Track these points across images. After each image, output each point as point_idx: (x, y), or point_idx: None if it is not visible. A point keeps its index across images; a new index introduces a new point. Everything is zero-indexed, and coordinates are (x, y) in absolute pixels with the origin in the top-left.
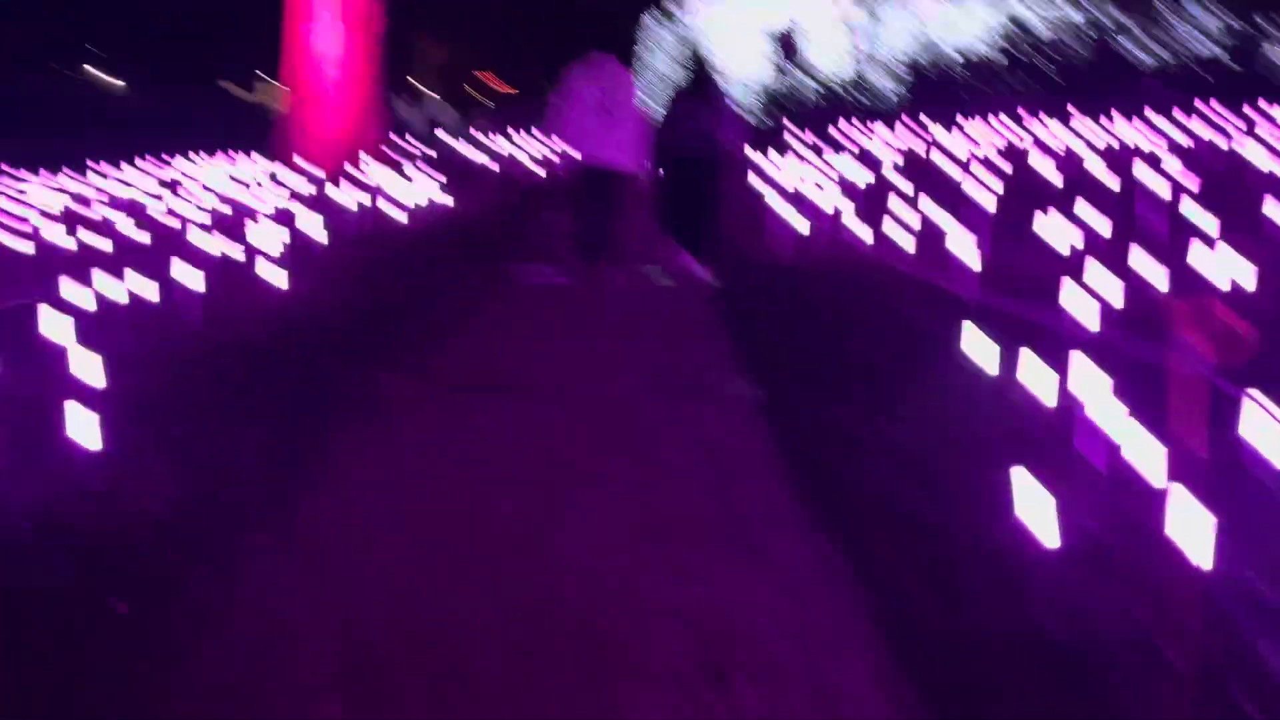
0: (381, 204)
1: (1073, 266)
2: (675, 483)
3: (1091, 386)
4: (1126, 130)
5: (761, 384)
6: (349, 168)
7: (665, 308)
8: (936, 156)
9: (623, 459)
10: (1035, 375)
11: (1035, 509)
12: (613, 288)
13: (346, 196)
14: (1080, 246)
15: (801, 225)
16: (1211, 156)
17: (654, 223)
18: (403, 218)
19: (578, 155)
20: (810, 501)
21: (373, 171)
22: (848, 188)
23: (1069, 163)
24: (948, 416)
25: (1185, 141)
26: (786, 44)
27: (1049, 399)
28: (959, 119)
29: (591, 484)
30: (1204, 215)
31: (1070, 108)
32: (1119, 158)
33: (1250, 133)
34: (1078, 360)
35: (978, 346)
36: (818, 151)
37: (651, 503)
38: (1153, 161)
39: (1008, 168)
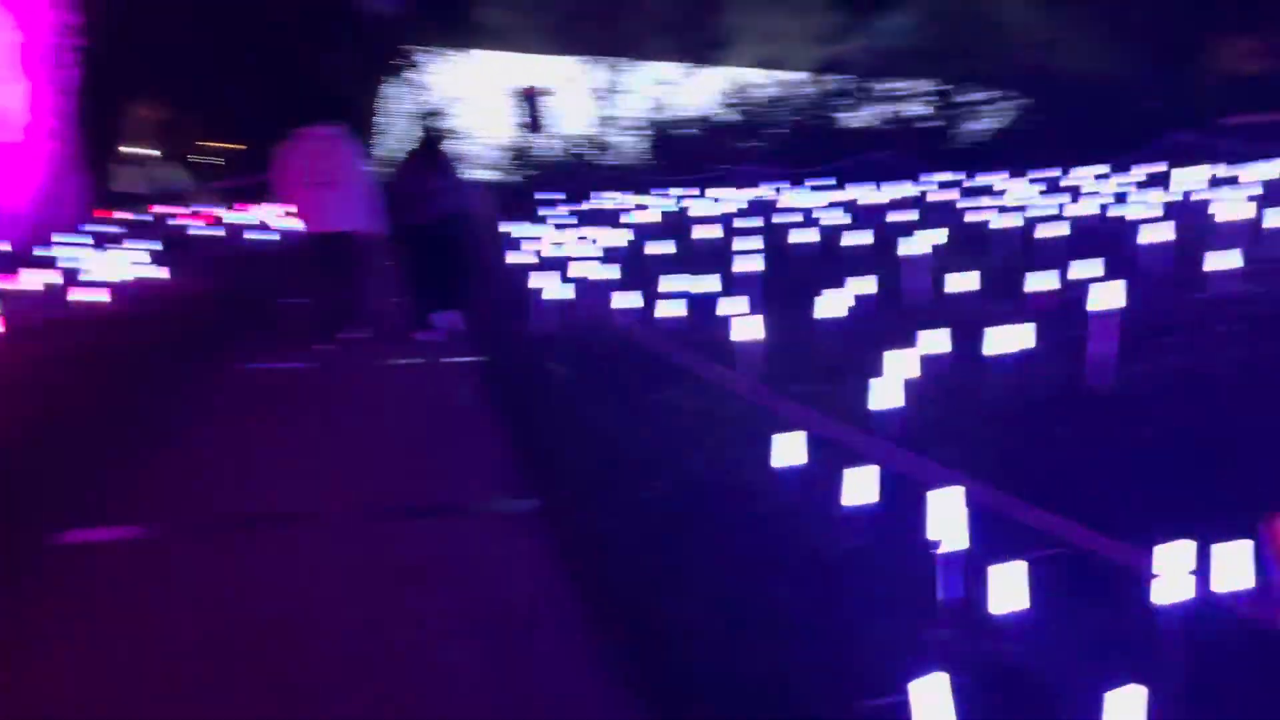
0: (79, 284)
1: (848, 335)
2: (444, 666)
3: (900, 495)
4: (862, 194)
5: (537, 491)
6: (38, 242)
7: (422, 394)
8: (692, 219)
9: (372, 629)
10: (838, 484)
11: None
12: (360, 371)
13: (34, 277)
14: (851, 312)
15: (563, 294)
16: (953, 220)
17: (399, 291)
18: (106, 299)
19: (303, 227)
20: (610, 668)
21: (70, 245)
22: (608, 253)
23: (821, 226)
24: (751, 535)
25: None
26: (530, 105)
27: (848, 506)
28: (707, 181)
29: (332, 680)
30: (964, 279)
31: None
32: (868, 222)
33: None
34: (873, 467)
35: (776, 449)
36: (572, 215)
37: (413, 703)
38: (901, 227)
39: (764, 230)
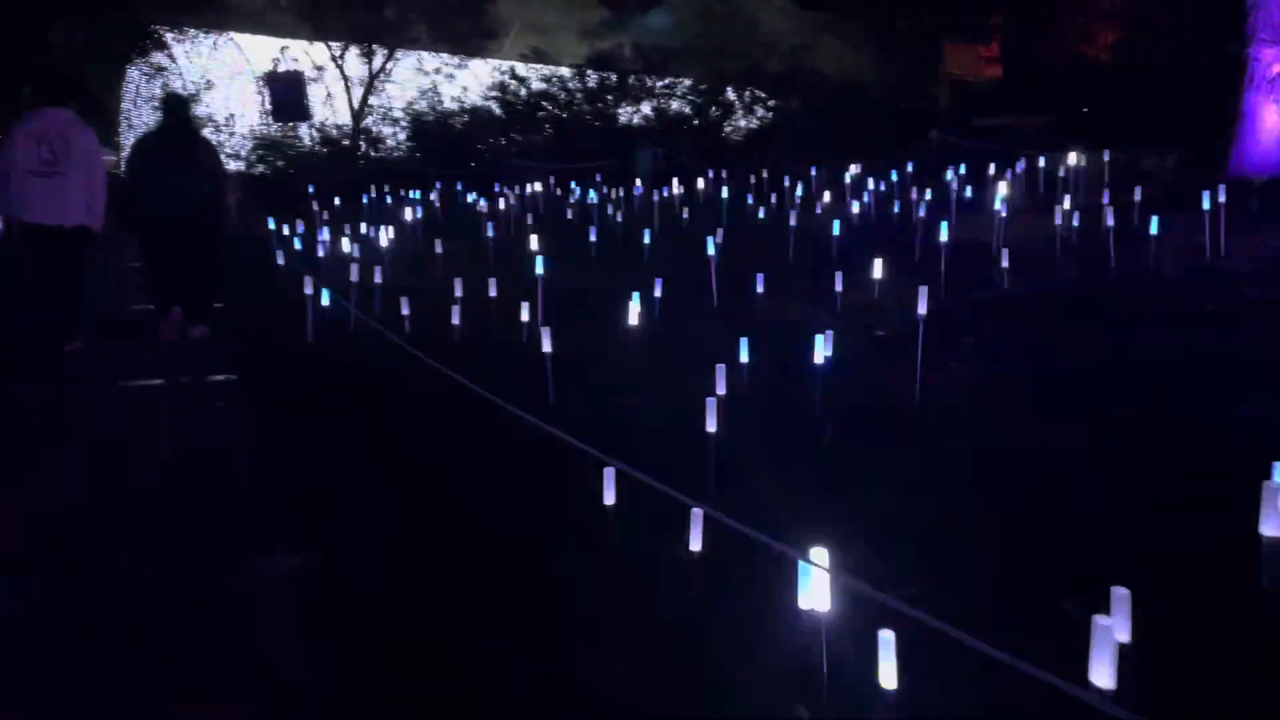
0: None
1: (653, 346)
2: None
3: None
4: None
5: (309, 555)
6: None
7: (163, 424)
8: (475, 216)
9: None
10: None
11: None
12: (89, 394)
13: None
14: (651, 318)
15: (338, 301)
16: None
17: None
18: None
19: (22, 219)
20: None
21: None
22: (379, 253)
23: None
24: (569, 590)
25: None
26: (284, 92)
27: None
28: (480, 176)
29: None
30: (767, 280)
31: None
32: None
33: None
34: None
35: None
36: (338, 212)
37: None
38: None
39: (552, 227)
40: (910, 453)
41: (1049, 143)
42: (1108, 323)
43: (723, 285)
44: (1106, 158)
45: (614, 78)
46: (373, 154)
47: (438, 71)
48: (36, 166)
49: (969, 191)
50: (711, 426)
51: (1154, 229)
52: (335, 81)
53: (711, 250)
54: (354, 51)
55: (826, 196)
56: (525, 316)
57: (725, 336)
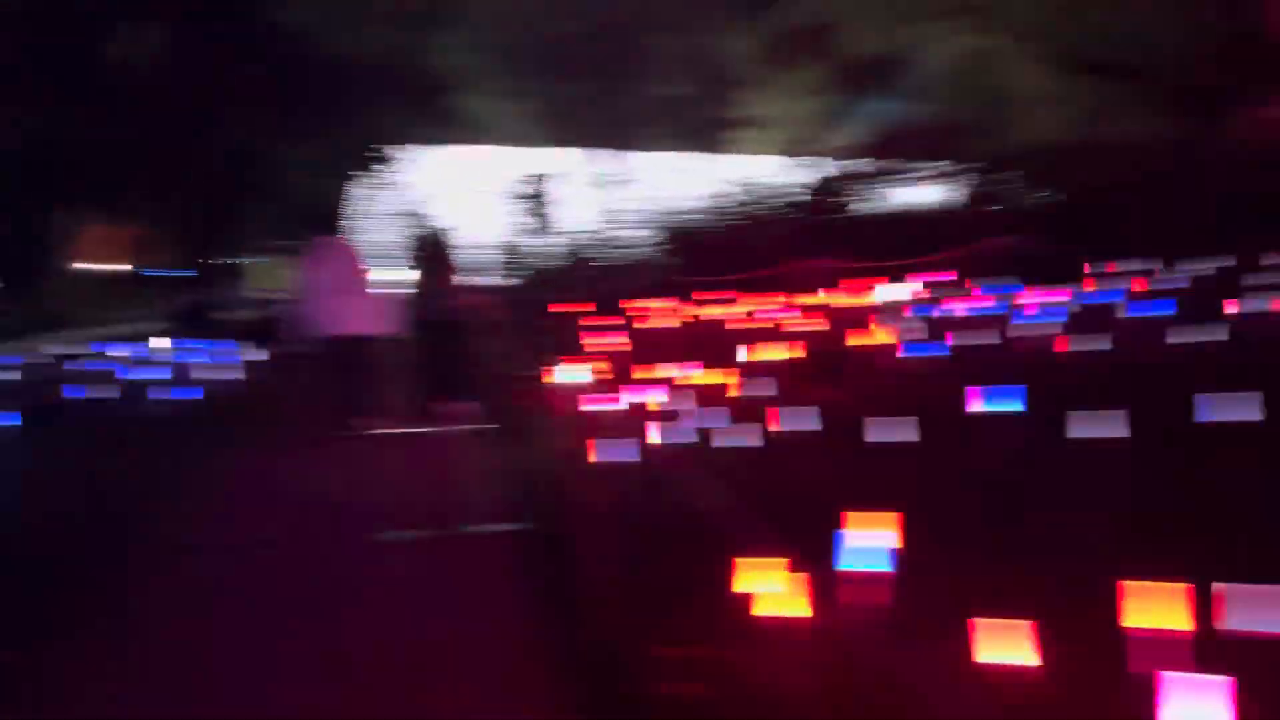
0: None
1: None
2: None
3: None
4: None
5: None
6: None
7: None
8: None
9: None
10: None
11: None
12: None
13: None
14: None
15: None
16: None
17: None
18: None
19: (323, 333)
20: None
21: None
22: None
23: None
24: None
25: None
26: (537, 200)
27: None
28: (754, 284)
29: None
30: None
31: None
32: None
33: None
34: None
35: None
36: (603, 328)
37: None
38: None
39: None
40: None
41: None
42: None
43: None
44: None
45: (865, 164)
46: (621, 261)
47: (680, 170)
48: (328, 288)
49: None
50: None
51: None
52: (574, 186)
53: None
54: (592, 154)
55: None
56: None
57: None
